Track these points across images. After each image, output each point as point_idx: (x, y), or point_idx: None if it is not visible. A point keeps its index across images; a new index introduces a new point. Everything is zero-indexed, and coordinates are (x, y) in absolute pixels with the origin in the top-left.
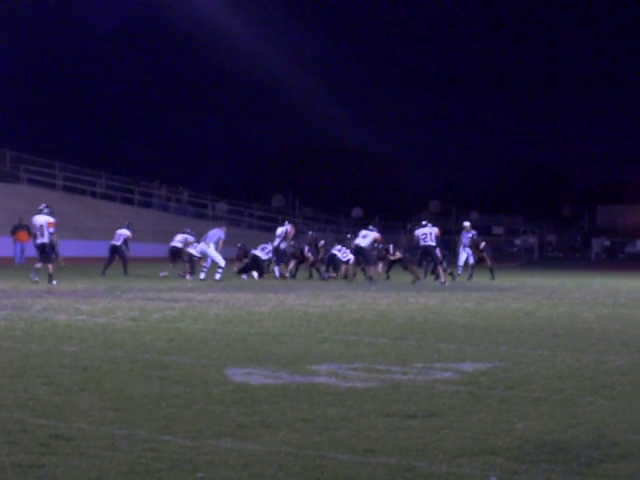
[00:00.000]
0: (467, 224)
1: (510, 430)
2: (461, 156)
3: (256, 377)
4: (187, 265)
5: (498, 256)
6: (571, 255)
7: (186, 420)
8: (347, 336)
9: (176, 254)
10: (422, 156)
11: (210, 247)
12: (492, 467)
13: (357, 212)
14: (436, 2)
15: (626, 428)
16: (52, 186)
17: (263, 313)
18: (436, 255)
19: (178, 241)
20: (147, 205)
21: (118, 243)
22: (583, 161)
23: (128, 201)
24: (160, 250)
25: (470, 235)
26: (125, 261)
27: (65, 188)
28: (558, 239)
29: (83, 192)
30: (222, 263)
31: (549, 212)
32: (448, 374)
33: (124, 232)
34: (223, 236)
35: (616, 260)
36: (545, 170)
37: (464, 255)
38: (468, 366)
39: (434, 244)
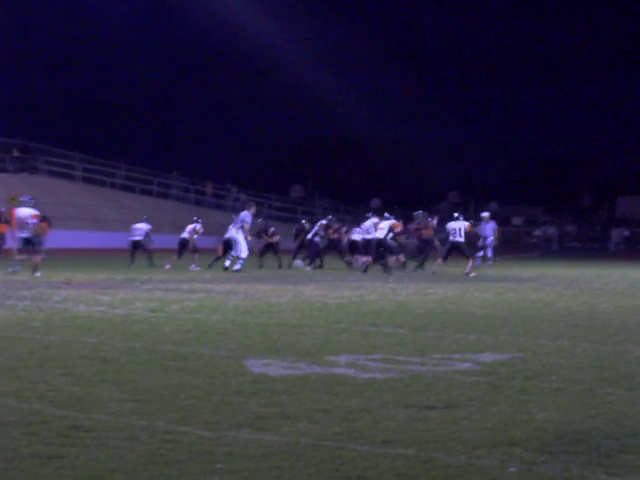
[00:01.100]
0: (486, 214)
1: (529, 421)
2: (480, 146)
3: (275, 368)
4: (195, 255)
5: (517, 247)
6: (590, 245)
7: (205, 411)
8: (366, 327)
9: (184, 245)
10: (441, 146)
11: (238, 234)
12: (511, 458)
13: (376, 202)
14: None
15: None
16: (71, 177)
17: (282, 304)
18: (465, 250)
19: (187, 232)
20: (165, 196)
21: (139, 238)
22: (602, 151)
23: (147, 192)
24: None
25: (489, 226)
26: (149, 253)
27: (85, 179)
28: (577, 229)
29: (103, 183)
30: (244, 254)
31: (568, 203)
32: (467, 365)
33: (143, 226)
34: (249, 219)
35: (636, 250)
36: (564, 160)
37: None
38: (487, 357)
39: (462, 240)
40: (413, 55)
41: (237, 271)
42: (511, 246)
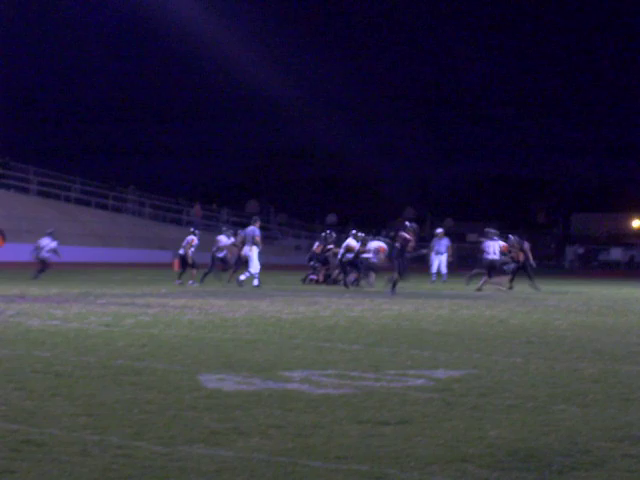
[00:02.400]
0: (440, 231)
1: (482, 437)
2: (437, 163)
3: (229, 383)
4: (193, 271)
5: (472, 263)
6: (545, 262)
7: (159, 426)
8: (320, 343)
9: (184, 261)
10: (398, 163)
11: (252, 250)
12: (464, 474)
13: (332, 218)
14: (415, 13)
15: (598, 436)
16: (26, 191)
17: (237, 319)
18: (501, 268)
19: (182, 247)
20: (120, 210)
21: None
22: (558, 169)
23: (102, 206)
24: (134, 255)
25: (443, 242)
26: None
27: (39, 193)
28: (532, 246)
29: (57, 197)
30: (255, 269)
31: (523, 219)
32: (421, 381)
33: (47, 241)
34: (258, 233)
35: (590, 268)
36: (520, 178)
37: (437, 261)
38: (441, 373)
39: (498, 258)
40: (375, 77)
41: (257, 287)
42: (465, 262)
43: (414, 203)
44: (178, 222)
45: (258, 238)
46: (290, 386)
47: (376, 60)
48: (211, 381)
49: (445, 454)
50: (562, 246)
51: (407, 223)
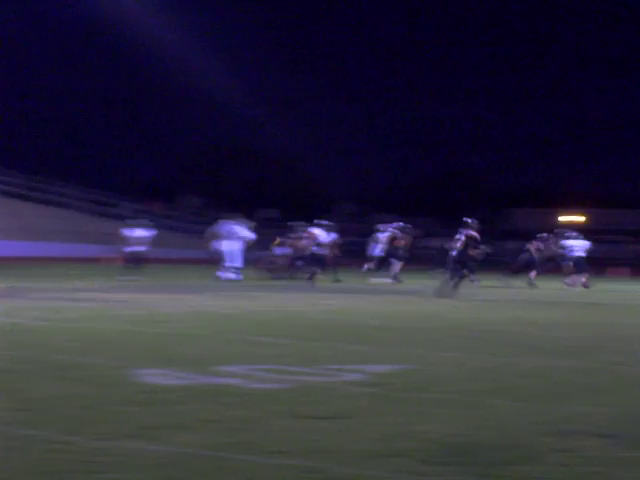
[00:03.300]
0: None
1: (420, 432)
2: (378, 158)
3: (167, 378)
4: (137, 266)
5: (412, 258)
6: (485, 257)
7: (96, 421)
8: (259, 337)
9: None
10: (339, 158)
11: (237, 245)
12: (401, 469)
13: (272, 213)
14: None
15: (533, 430)
16: None
17: (177, 314)
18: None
19: (140, 243)
20: (60, 205)
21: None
22: (499, 164)
23: (27, 198)
24: (67, 250)
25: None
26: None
27: None
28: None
29: None
30: (238, 264)
31: (463, 215)
32: (358, 375)
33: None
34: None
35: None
36: (460, 173)
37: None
38: (379, 368)
39: (584, 255)
40: (313, 68)
41: (230, 280)
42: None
43: (354, 198)
44: (113, 217)
45: (242, 234)
46: (229, 381)
47: (316, 54)
48: (150, 376)
49: (382, 448)
50: (502, 241)
51: (468, 219)
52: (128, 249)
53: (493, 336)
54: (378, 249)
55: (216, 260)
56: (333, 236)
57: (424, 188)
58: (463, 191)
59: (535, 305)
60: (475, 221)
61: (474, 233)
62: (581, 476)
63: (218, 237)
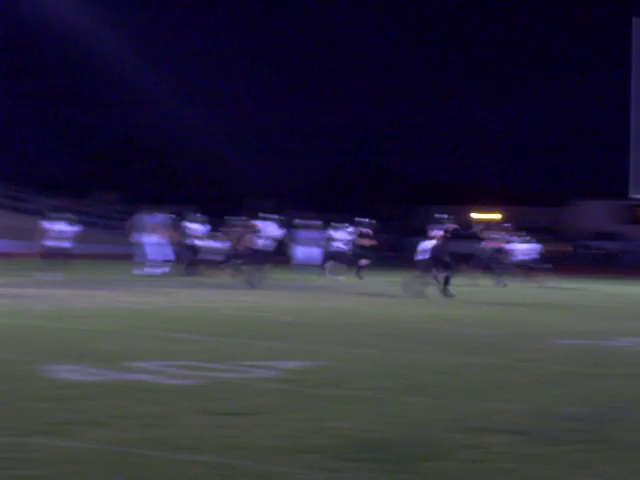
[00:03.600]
0: (312, 223)
1: (333, 428)
2: (293, 154)
3: (79, 374)
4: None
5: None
6: (393, 254)
7: (7, 417)
8: (173, 333)
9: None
10: (253, 154)
11: (154, 238)
12: (313, 465)
13: (190, 208)
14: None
15: (446, 427)
16: None
17: (91, 309)
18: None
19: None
20: None
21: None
22: (405, 162)
23: None
24: None
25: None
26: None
27: None
28: (383, 238)
29: None
30: (152, 256)
31: (368, 211)
32: (272, 372)
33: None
34: (168, 222)
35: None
36: (364, 170)
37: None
38: (293, 364)
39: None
40: (227, 64)
41: (153, 275)
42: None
43: (270, 195)
44: (26, 212)
45: (168, 228)
46: (142, 377)
47: (236, 50)
48: (63, 371)
49: (295, 445)
50: (406, 238)
51: (443, 215)
52: (49, 243)
53: (408, 333)
54: (335, 246)
55: (134, 255)
56: (283, 231)
57: (337, 185)
58: (377, 188)
59: (452, 303)
60: (447, 216)
61: (454, 225)
62: (491, 472)
63: (140, 230)
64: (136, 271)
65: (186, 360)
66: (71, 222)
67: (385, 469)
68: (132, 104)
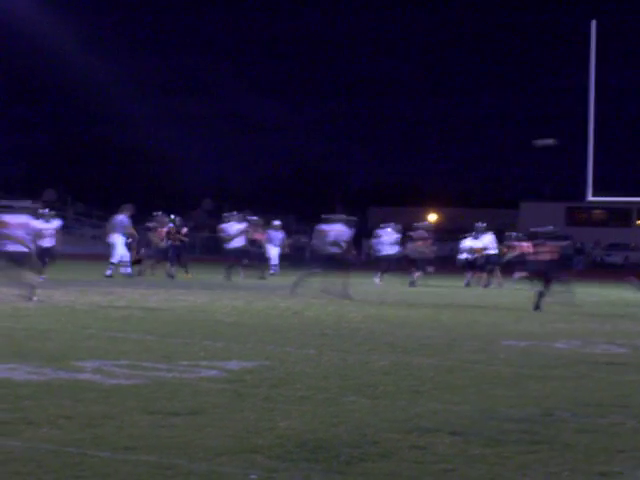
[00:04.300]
0: (277, 223)
1: (272, 428)
2: (235, 154)
3: (19, 373)
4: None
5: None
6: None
7: None
8: (113, 333)
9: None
10: (197, 154)
11: (118, 239)
12: (253, 465)
13: (130, 208)
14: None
15: (387, 427)
16: None
17: (30, 308)
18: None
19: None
20: None
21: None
22: (356, 163)
23: None
24: None
25: (279, 234)
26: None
27: None
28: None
29: None
30: (116, 259)
31: (321, 212)
32: (214, 372)
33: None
34: (127, 222)
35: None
36: (318, 171)
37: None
38: (234, 364)
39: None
40: (175, 69)
41: (109, 276)
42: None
43: (212, 194)
44: None
45: (129, 228)
46: (81, 376)
47: (185, 48)
48: (1, 371)
49: (235, 445)
50: (359, 239)
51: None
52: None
53: (349, 333)
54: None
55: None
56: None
57: (283, 186)
58: (322, 189)
59: (393, 303)
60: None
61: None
62: (432, 473)
63: (111, 230)
64: (108, 272)
65: (127, 359)
66: (50, 218)
67: (325, 469)
68: (80, 104)
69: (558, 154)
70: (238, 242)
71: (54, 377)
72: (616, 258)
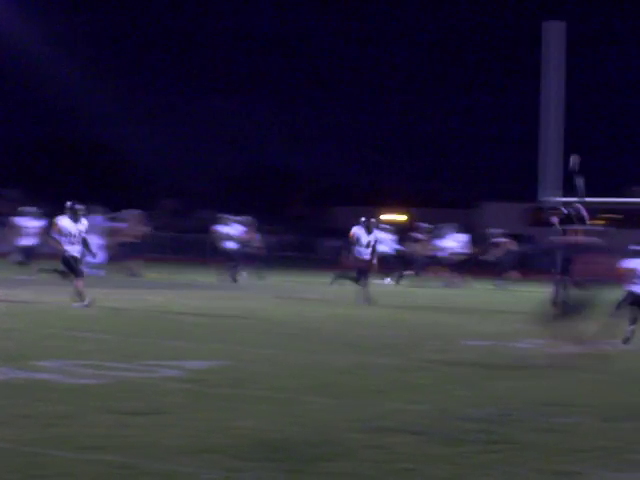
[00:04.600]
0: (240, 219)
1: (233, 428)
2: (195, 153)
3: None
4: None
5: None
6: (305, 255)
7: None
8: (76, 332)
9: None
10: (157, 153)
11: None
12: (213, 464)
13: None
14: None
15: (347, 427)
16: None
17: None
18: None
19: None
20: None
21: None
22: (318, 162)
23: None
24: None
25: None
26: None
27: None
28: (291, 239)
29: None
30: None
31: (281, 212)
32: (175, 372)
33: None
34: (99, 222)
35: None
36: (277, 170)
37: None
38: (195, 364)
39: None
40: (137, 63)
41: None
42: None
43: (173, 194)
44: None
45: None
46: (43, 376)
47: (141, 46)
48: None
49: (196, 444)
50: (319, 238)
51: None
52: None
53: (312, 333)
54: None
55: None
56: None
57: (243, 186)
58: (283, 189)
59: (349, 303)
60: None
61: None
62: (391, 472)
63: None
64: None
65: (91, 359)
66: (37, 216)
67: (286, 469)
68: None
69: (519, 154)
70: (232, 243)
71: (14, 376)
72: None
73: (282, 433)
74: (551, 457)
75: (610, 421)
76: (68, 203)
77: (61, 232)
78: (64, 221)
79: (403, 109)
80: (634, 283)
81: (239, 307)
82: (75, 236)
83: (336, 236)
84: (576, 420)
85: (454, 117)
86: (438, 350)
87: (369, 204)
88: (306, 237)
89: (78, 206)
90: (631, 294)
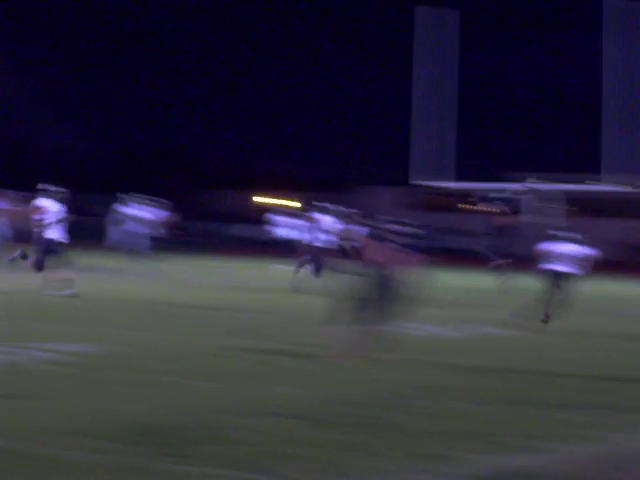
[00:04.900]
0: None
1: (110, 411)
2: (75, 133)
3: None
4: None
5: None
6: (175, 238)
7: None
8: None
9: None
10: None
11: None
12: (81, 447)
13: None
14: None
15: (221, 410)
16: None
17: None
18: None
19: None
20: None
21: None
22: (191, 144)
23: None
24: None
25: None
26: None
27: None
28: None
29: None
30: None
31: (155, 194)
32: (51, 354)
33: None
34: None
35: (218, 243)
36: (151, 151)
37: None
38: (72, 347)
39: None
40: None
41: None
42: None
43: (50, 174)
44: None
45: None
46: None
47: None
48: None
49: (63, 426)
50: (193, 221)
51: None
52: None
53: (187, 316)
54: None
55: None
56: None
57: (121, 166)
58: (164, 170)
59: (234, 288)
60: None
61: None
62: (268, 455)
63: None
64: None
65: None
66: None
67: (157, 452)
68: None
69: (394, 139)
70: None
71: None
72: (450, 243)
73: (153, 416)
74: (421, 440)
75: (484, 405)
76: None
77: None
78: None
79: (284, 93)
80: (551, 263)
81: (115, 290)
82: None
83: (207, 219)
84: (450, 405)
85: (331, 101)
86: (312, 334)
87: (247, 187)
88: (188, 220)
89: None
90: (549, 272)
